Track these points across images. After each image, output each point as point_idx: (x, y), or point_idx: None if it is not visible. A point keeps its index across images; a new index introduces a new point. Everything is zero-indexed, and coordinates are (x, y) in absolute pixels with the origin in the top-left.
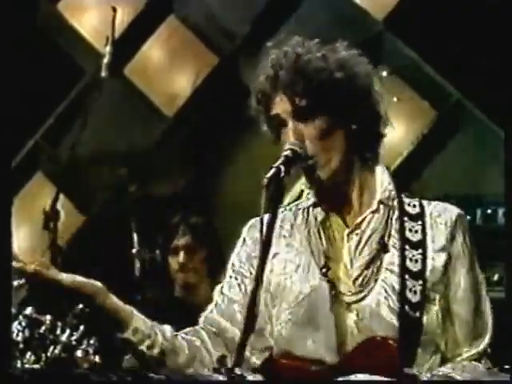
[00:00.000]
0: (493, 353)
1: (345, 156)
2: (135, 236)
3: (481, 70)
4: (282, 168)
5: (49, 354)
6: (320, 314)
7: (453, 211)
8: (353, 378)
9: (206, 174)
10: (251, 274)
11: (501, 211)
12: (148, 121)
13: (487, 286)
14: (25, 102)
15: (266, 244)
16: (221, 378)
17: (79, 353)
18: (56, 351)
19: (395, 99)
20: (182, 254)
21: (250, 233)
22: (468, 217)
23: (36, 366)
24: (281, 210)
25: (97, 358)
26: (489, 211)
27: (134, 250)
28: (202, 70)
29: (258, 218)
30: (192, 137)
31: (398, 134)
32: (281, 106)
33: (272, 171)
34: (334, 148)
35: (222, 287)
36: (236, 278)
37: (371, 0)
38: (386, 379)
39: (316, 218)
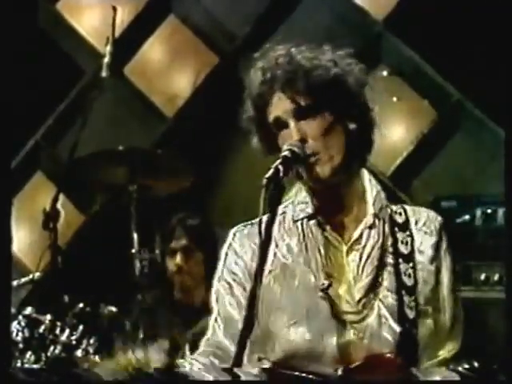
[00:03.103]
0: (492, 352)
1: (345, 156)
2: (135, 236)
3: (481, 70)
4: (281, 168)
5: (49, 354)
6: (319, 333)
7: (436, 219)
8: None
9: (205, 174)
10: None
11: (501, 211)
12: (148, 121)
13: (487, 286)
14: (25, 102)
15: (265, 244)
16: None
17: (78, 352)
18: (56, 351)
19: (395, 99)
20: (178, 256)
21: (236, 240)
22: (468, 217)
23: (36, 366)
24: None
25: (96, 358)
26: (489, 211)
27: (133, 250)
28: (202, 69)
29: (240, 225)
30: (192, 137)
31: (398, 134)
32: (280, 106)
33: (271, 171)
34: (336, 146)
35: (221, 301)
36: (232, 293)
37: (371, 0)
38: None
39: (312, 233)
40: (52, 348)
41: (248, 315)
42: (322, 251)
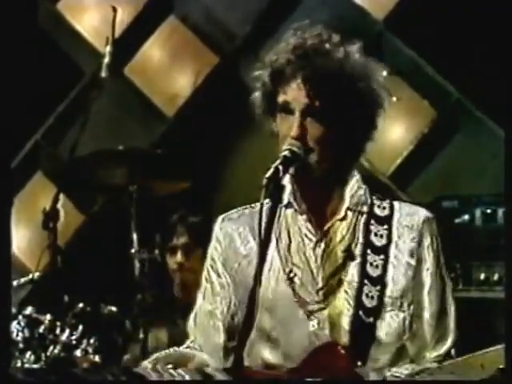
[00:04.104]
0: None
1: (336, 161)
2: (134, 236)
3: (481, 70)
4: (281, 168)
5: (48, 354)
6: (282, 321)
7: (421, 214)
8: None
9: (206, 173)
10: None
11: (501, 211)
12: (148, 121)
13: (487, 286)
14: (25, 102)
15: (264, 244)
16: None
17: (78, 352)
18: (56, 351)
19: (395, 99)
20: (179, 253)
21: (221, 227)
22: (468, 217)
23: (36, 366)
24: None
25: (96, 358)
26: (489, 211)
27: (133, 250)
28: (202, 69)
29: (229, 212)
30: (192, 137)
31: (398, 134)
32: (295, 93)
33: (271, 171)
34: (330, 149)
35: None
36: (210, 280)
37: (371, 0)
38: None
39: (287, 221)
40: (52, 348)
41: (247, 315)
42: (293, 240)
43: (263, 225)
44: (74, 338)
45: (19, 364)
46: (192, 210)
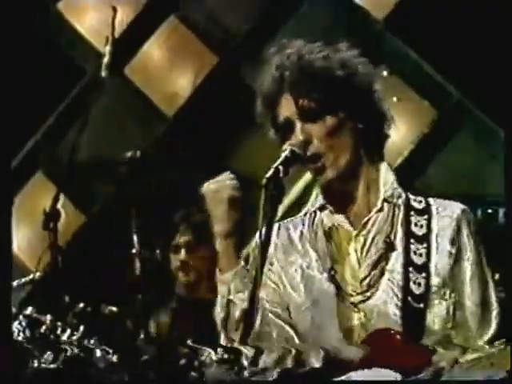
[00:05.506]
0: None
1: (352, 154)
2: (135, 236)
3: (481, 70)
4: (281, 168)
5: (52, 355)
6: (327, 317)
7: (458, 206)
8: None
9: (206, 173)
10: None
11: (501, 211)
12: (148, 121)
13: None
14: (25, 102)
15: (265, 244)
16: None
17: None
18: (56, 351)
19: (395, 99)
20: (183, 251)
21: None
22: None
23: (36, 366)
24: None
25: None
26: (489, 211)
27: (133, 250)
28: (201, 69)
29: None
30: (192, 137)
31: (399, 134)
32: (287, 107)
33: (271, 172)
34: (342, 146)
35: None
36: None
37: (371, 0)
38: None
39: (322, 221)
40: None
41: (248, 314)
42: (330, 237)
43: (263, 227)
44: (75, 338)
45: (25, 364)
46: (194, 208)
